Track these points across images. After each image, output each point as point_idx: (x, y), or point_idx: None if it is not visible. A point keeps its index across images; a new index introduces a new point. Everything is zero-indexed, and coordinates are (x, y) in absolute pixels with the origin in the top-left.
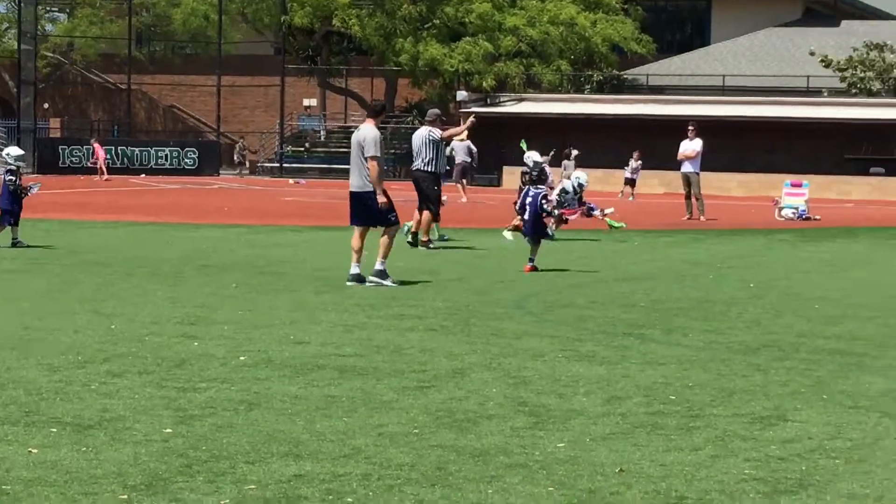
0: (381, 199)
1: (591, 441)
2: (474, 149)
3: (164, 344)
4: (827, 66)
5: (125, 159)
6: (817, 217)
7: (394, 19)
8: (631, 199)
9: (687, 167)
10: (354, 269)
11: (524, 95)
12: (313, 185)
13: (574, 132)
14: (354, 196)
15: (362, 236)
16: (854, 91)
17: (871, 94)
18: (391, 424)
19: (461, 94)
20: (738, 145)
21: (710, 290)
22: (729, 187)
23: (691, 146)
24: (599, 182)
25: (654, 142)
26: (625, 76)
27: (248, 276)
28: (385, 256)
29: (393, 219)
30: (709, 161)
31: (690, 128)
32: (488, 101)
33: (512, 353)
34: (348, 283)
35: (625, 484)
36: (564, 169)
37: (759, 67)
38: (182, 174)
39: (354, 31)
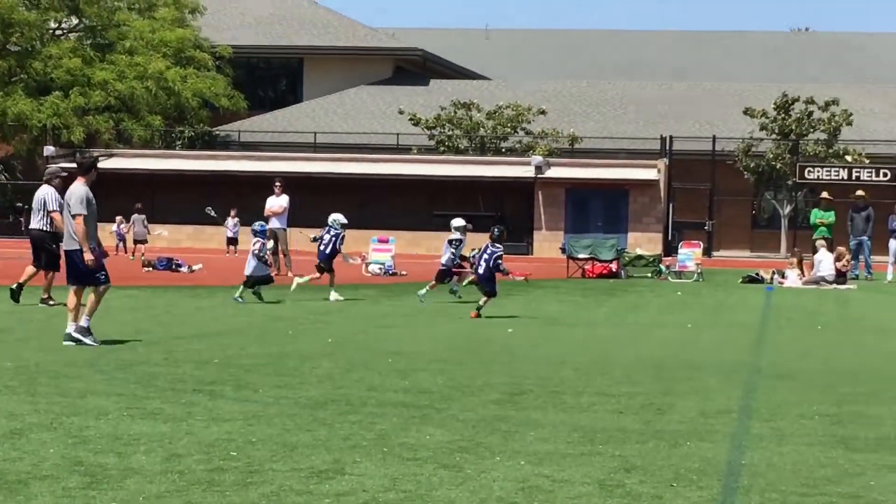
0: (87, 256)
1: (145, 500)
2: None
3: None
4: (416, 124)
5: None
6: (404, 272)
7: None
8: (235, 255)
9: (274, 223)
10: (70, 328)
11: (114, 151)
12: None
13: (165, 188)
14: (65, 254)
15: (77, 295)
16: (442, 149)
17: (458, 151)
18: None
19: (49, 150)
20: (329, 201)
21: (288, 346)
22: None
23: (278, 202)
24: (191, 238)
25: (246, 198)
26: (216, 132)
27: None
28: (90, 314)
29: (102, 278)
30: (300, 217)
31: (277, 184)
32: (77, 155)
33: (75, 412)
34: (65, 343)
35: None
36: (133, 224)
37: (350, 125)
38: None
39: None
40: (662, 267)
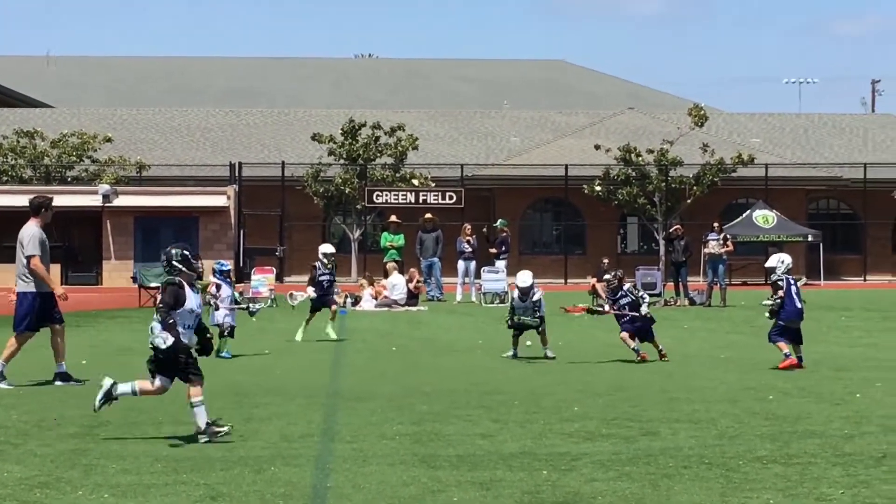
0: (58, 290)
1: None
2: None
3: None
4: None
5: None
6: None
7: None
8: None
9: None
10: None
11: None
12: None
13: None
14: (18, 296)
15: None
16: (6, 179)
17: (23, 181)
18: None
19: None
20: None
21: None
22: None
23: None
24: None
25: None
26: None
27: None
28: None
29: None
30: None
31: None
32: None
33: None
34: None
35: None
36: None
37: None
38: None
39: None
40: (236, 294)
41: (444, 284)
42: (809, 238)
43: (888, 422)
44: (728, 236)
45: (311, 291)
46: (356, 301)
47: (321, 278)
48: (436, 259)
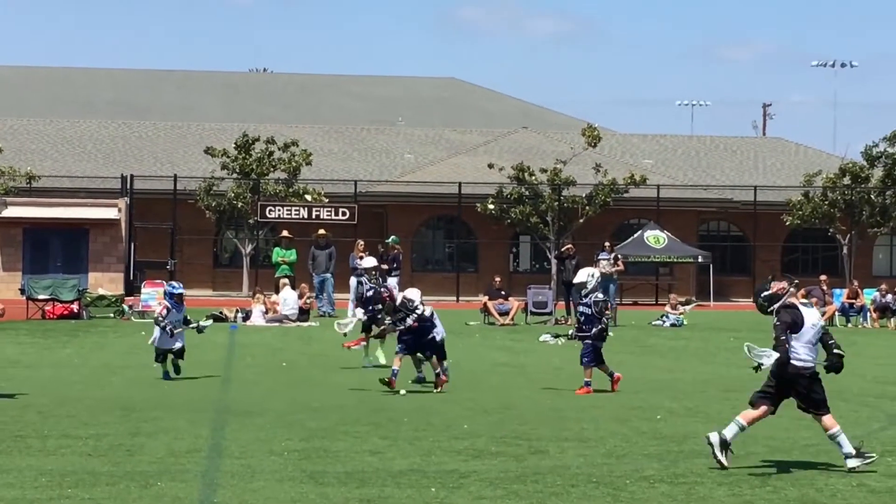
0: None
1: None
2: None
3: None
4: None
5: None
6: None
7: None
8: None
9: None
10: None
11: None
12: None
13: None
14: None
15: None
16: None
17: None
18: None
19: None
20: None
21: None
22: None
23: None
24: None
25: None
26: None
27: None
28: None
29: None
30: None
31: None
32: None
33: None
34: None
35: None
36: None
37: None
38: None
39: None
40: (125, 307)
41: (336, 300)
42: (700, 259)
43: (773, 442)
44: (619, 256)
45: (359, 314)
46: (247, 316)
47: (369, 294)
48: (328, 275)
